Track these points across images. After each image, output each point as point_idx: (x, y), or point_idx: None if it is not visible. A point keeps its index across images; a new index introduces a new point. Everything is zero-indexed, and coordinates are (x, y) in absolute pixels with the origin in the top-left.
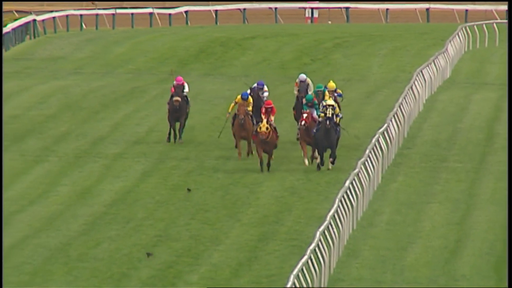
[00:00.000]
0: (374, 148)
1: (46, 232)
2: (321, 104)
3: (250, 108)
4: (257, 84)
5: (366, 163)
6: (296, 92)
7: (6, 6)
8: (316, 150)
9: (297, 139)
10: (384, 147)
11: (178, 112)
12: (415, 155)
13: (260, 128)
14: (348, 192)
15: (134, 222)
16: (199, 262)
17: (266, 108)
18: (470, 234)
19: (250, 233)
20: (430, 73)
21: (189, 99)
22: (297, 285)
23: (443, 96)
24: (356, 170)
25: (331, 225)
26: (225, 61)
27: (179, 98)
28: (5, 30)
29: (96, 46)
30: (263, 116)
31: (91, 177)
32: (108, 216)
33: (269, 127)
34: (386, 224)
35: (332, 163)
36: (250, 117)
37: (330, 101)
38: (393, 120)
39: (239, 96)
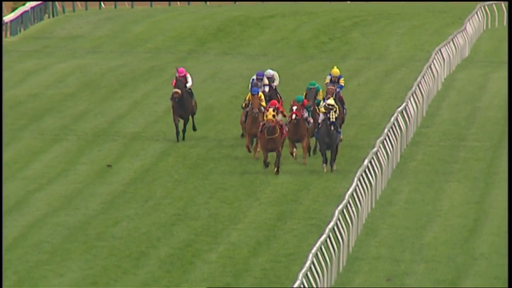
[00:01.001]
0: (393, 127)
1: (65, 211)
2: (321, 102)
3: (263, 104)
4: (256, 75)
5: (385, 142)
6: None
7: None
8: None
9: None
10: (403, 126)
11: (181, 107)
12: (434, 134)
13: (267, 116)
14: (367, 170)
15: (152, 200)
16: (217, 241)
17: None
18: (489, 212)
19: (269, 212)
20: (449, 52)
21: (193, 92)
22: (316, 264)
23: (462, 75)
24: (375, 149)
25: (350, 204)
26: (243, 40)
27: (178, 90)
28: (23, 8)
29: (114, 25)
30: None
31: (110, 156)
32: (127, 195)
33: (275, 115)
34: (405, 202)
35: (332, 167)
36: (263, 114)
37: (331, 101)
38: (411, 99)
39: (249, 94)
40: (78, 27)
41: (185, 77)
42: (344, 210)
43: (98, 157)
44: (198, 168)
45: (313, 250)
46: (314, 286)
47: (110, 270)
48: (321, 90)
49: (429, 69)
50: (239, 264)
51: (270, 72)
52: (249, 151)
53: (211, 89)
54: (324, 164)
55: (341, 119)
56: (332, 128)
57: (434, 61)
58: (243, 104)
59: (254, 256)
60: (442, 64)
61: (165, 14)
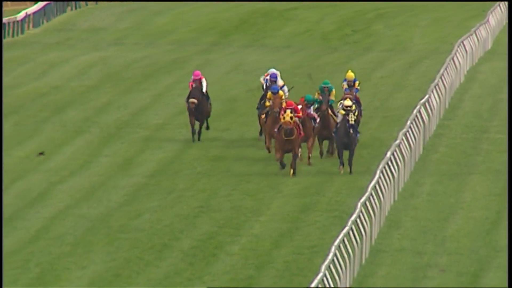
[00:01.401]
0: (416, 119)
1: (87, 203)
2: (339, 104)
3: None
4: (270, 77)
5: (407, 134)
6: (263, 85)
7: None
8: (336, 152)
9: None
10: (426, 118)
11: (197, 111)
12: (456, 126)
13: (284, 118)
14: (390, 163)
15: (175, 193)
16: (240, 233)
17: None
18: (511, 205)
19: (291, 204)
20: (472, 44)
21: (209, 96)
22: (339, 256)
23: (484, 67)
24: (398, 141)
25: (373, 196)
26: (266, 32)
27: (195, 100)
28: (46, 1)
29: (137, 17)
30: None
31: (133, 148)
32: (150, 187)
33: (293, 117)
34: (428, 195)
35: (350, 170)
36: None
37: (348, 102)
38: (434, 91)
39: (269, 92)
40: (100, 19)
41: (200, 81)
42: (367, 203)
43: (120, 149)
44: (221, 160)
45: (336, 242)
46: (337, 278)
47: (133, 262)
48: (333, 90)
49: (452, 61)
50: (261, 256)
51: (274, 71)
52: (269, 151)
53: (234, 81)
54: (341, 166)
55: (357, 121)
56: (351, 131)
57: (457, 53)
58: (267, 108)
59: (277, 248)
60: (465, 56)
61: (188, 6)
